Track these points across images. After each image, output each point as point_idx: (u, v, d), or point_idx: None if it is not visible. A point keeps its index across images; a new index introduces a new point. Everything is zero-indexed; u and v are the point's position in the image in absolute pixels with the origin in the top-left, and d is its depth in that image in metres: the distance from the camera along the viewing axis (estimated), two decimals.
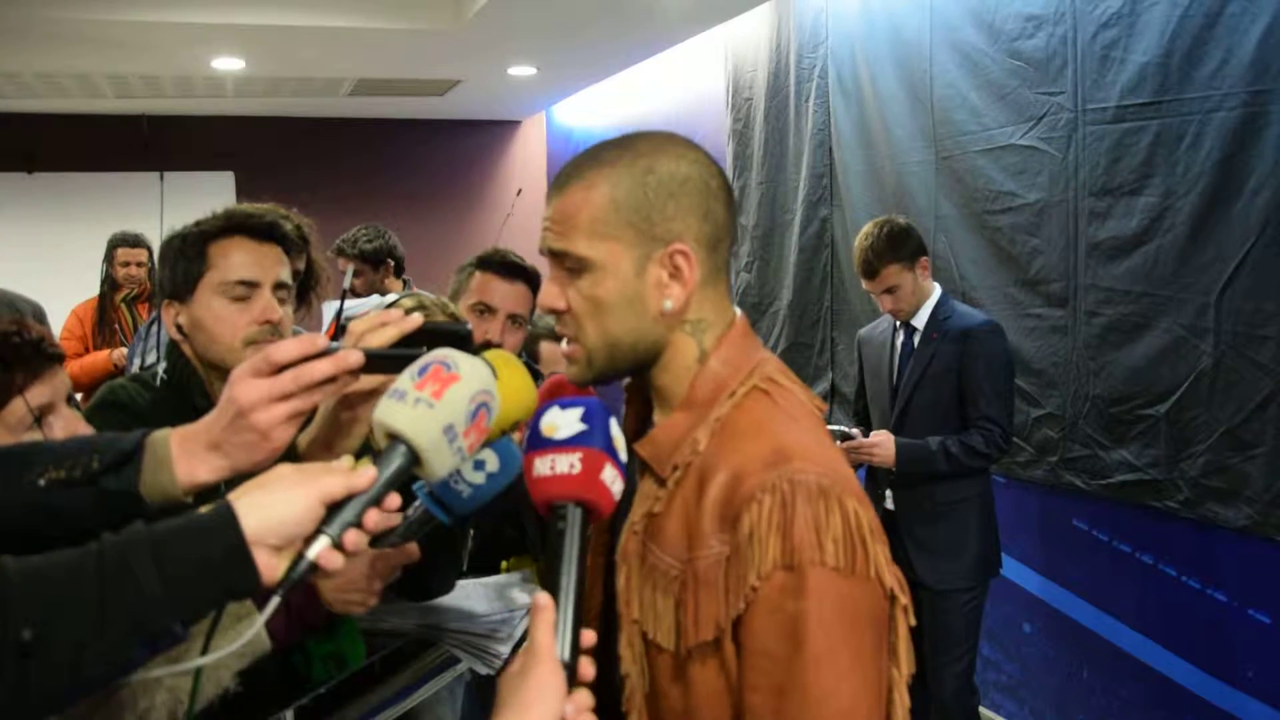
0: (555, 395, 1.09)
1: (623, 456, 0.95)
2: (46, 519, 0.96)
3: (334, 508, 0.85)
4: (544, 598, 0.86)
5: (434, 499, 1.04)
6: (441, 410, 0.88)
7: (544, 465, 0.92)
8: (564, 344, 1.07)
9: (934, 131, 3.64)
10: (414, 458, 0.88)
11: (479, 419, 0.91)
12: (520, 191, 7.35)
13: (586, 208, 1.03)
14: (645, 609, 1.01)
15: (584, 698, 0.85)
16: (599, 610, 1.15)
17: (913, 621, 0.99)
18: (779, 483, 0.95)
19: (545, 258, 1.08)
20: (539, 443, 0.94)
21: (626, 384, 1.16)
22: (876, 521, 0.98)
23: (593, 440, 0.92)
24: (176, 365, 1.61)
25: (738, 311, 1.11)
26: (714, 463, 1.00)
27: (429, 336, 1.03)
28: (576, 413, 0.94)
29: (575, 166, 1.06)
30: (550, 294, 1.05)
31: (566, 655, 0.85)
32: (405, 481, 0.89)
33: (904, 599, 0.97)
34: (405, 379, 0.89)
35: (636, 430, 1.14)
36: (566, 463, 0.91)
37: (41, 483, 0.95)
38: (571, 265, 1.04)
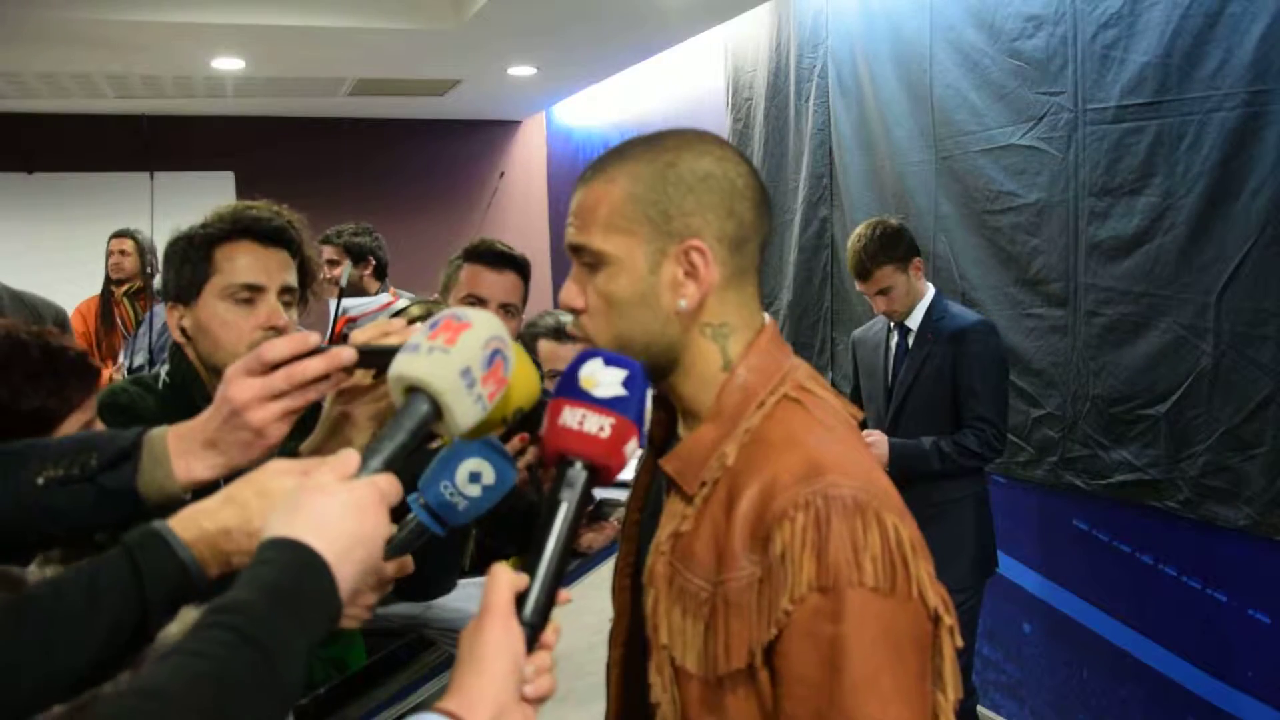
0: None
1: (647, 428, 0.91)
2: (44, 517, 0.96)
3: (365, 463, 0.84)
4: (500, 566, 0.83)
5: (428, 512, 1.04)
6: (457, 355, 0.86)
7: (573, 417, 0.88)
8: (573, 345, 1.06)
9: (934, 131, 3.64)
10: (435, 408, 0.86)
11: (495, 366, 0.89)
12: (502, 175, 7.34)
13: (605, 201, 1.01)
14: (674, 634, 0.96)
15: (544, 658, 0.82)
16: (627, 634, 1.12)
17: (959, 643, 0.93)
18: (812, 499, 0.90)
19: (569, 255, 1.05)
20: (574, 392, 0.89)
21: (652, 395, 1.13)
22: (919, 537, 0.92)
23: (629, 409, 0.89)
24: (179, 368, 1.60)
25: (767, 317, 1.06)
26: (744, 477, 0.95)
27: None
28: (620, 374, 0.90)
29: (600, 161, 1.04)
30: (570, 292, 1.03)
31: (531, 615, 0.82)
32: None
33: (949, 619, 0.92)
34: (418, 335, 0.89)
35: (662, 443, 1.10)
36: (597, 424, 0.87)
37: (40, 481, 0.95)
38: (589, 260, 1.01)
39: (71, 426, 1.26)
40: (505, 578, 0.82)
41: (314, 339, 1.00)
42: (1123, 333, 2.95)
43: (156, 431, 0.99)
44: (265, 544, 0.76)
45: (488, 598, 0.81)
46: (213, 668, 0.68)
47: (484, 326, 0.90)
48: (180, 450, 0.98)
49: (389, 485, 0.83)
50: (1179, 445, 2.80)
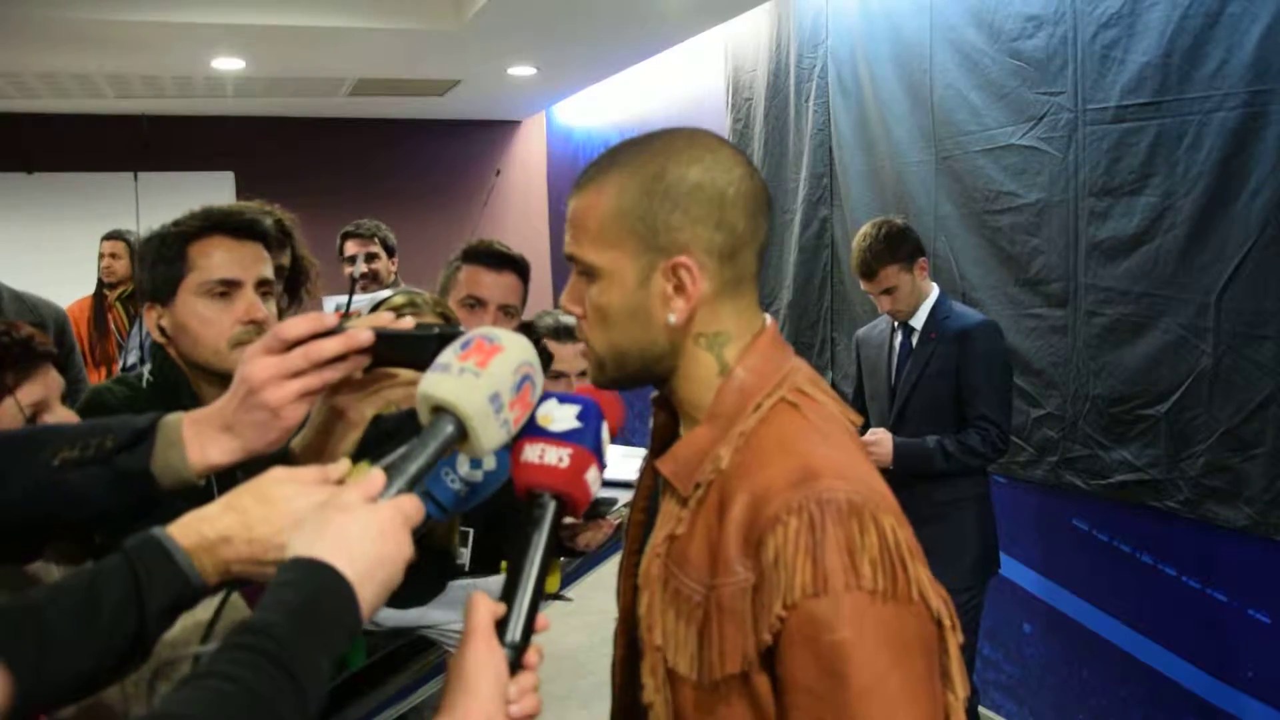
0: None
1: (607, 462, 0.96)
2: (59, 499, 0.96)
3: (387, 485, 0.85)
4: (479, 594, 0.87)
5: (429, 496, 1.04)
6: (487, 379, 0.87)
7: (533, 453, 0.93)
8: (581, 346, 1.07)
9: (934, 131, 3.64)
10: (461, 430, 0.87)
11: (524, 391, 0.91)
12: (499, 172, 7.34)
13: (595, 213, 1.00)
14: (668, 636, 0.96)
15: (528, 679, 0.85)
16: (629, 636, 1.11)
17: (960, 639, 0.92)
18: (805, 503, 0.89)
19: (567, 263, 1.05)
20: (532, 430, 0.94)
21: (654, 396, 1.12)
22: (915, 541, 0.92)
23: (584, 439, 0.93)
24: (162, 367, 1.59)
25: (767, 319, 1.05)
26: (736, 481, 0.94)
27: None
28: (573, 409, 0.95)
29: (593, 168, 1.03)
30: (567, 299, 1.04)
31: (517, 637, 0.86)
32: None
33: (950, 623, 0.91)
34: (448, 354, 0.90)
35: (663, 443, 1.10)
36: (556, 455, 0.92)
37: (55, 462, 0.95)
38: (583, 270, 1.01)
39: (9, 409, 1.26)
40: (484, 604, 0.85)
41: (331, 320, 1.00)
42: (1123, 333, 2.95)
43: (174, 415, 1.00)
44: (290, 564, 0.77)
45: (469, 623, 0.85)
46: (239, 690, 0.69)
47: (516, 351, 0.91)
48: (195, 434, 0.98)
49: (412, 507, 0.84)
50: (1179, 445, 2.80)
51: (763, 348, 1.02)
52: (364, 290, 3.94)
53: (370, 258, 4.07)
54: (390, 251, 4.21)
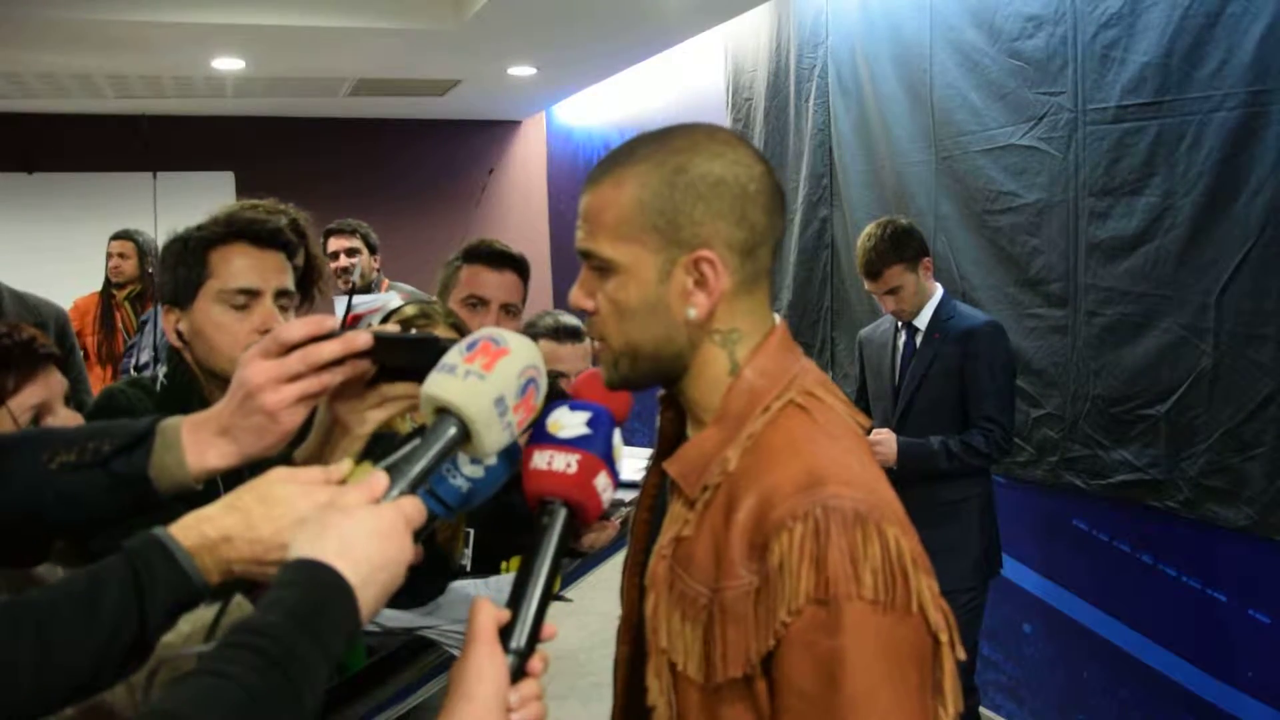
0: (591, 387, 1.08)
1: (620, 468, 0.95)
2: (58, 502, 0.95)
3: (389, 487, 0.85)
4: (482, 599, 0.86)
5: (430, 494, 1.04)
6: (492, 382, 0.87)
7: (542, 460, 0.93)
8: (595, 343, 1.06)
9: (934, 131, 3.64)
10: (464, 431, 0.87)
11: (528, 395, 0.91)
12: (491, 171, 7.34)
13: (613, 207, 0.98)
14: (674, 638, 0.96)
15: (531, 687, 0.84)
16: (634, 633, 1.11)
17: (961, 655, 0.91)
18: (812, 509, 0.89)
19: (580, 258, 1.04)
20: (542, 438, 0.94)
21: (661, 395, 1.11)
22: (921, 551, 0.91)
23: (593, 445, 0.93)
24: (176, 371, 1.59)
25: (777, 318, 1.05)
26: (744, 484, 0.94)
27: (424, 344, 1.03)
28: (583, 416, 0.94)
29: (609, 161, 1.01)
30: (578, 294, 1.02)
31: (522, 644, 0.85)
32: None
33: (947, 637, 0.91)
34: (453, 354, 0.89)
35: (670, 443, 1.10)
36: (564, 461, 0.92)
37: (53, 466, 0.95)
38: (598, 265, 1.00)
39: (11, 412, 1.26)
40: (486, 609, 0.85)
41: (330, 323, 0.99)
42: (1123, 333, 2.95)
43: (173, 419, 0.99)
44: (291, 565, 0.76)
45: (470, 629, 0.84)
46: (236, 690, 0.69)
47: (521, 354, 0.91)
48: (194, 438, 0.97)
49: (414, 509, 0.84)
50: (1179, 445, 2.80)
51: (772, 348, 1.02)
52: (345, 285, 3.98)
53: (351, 253, 4.14)
54: (372, 249, 4.26)
